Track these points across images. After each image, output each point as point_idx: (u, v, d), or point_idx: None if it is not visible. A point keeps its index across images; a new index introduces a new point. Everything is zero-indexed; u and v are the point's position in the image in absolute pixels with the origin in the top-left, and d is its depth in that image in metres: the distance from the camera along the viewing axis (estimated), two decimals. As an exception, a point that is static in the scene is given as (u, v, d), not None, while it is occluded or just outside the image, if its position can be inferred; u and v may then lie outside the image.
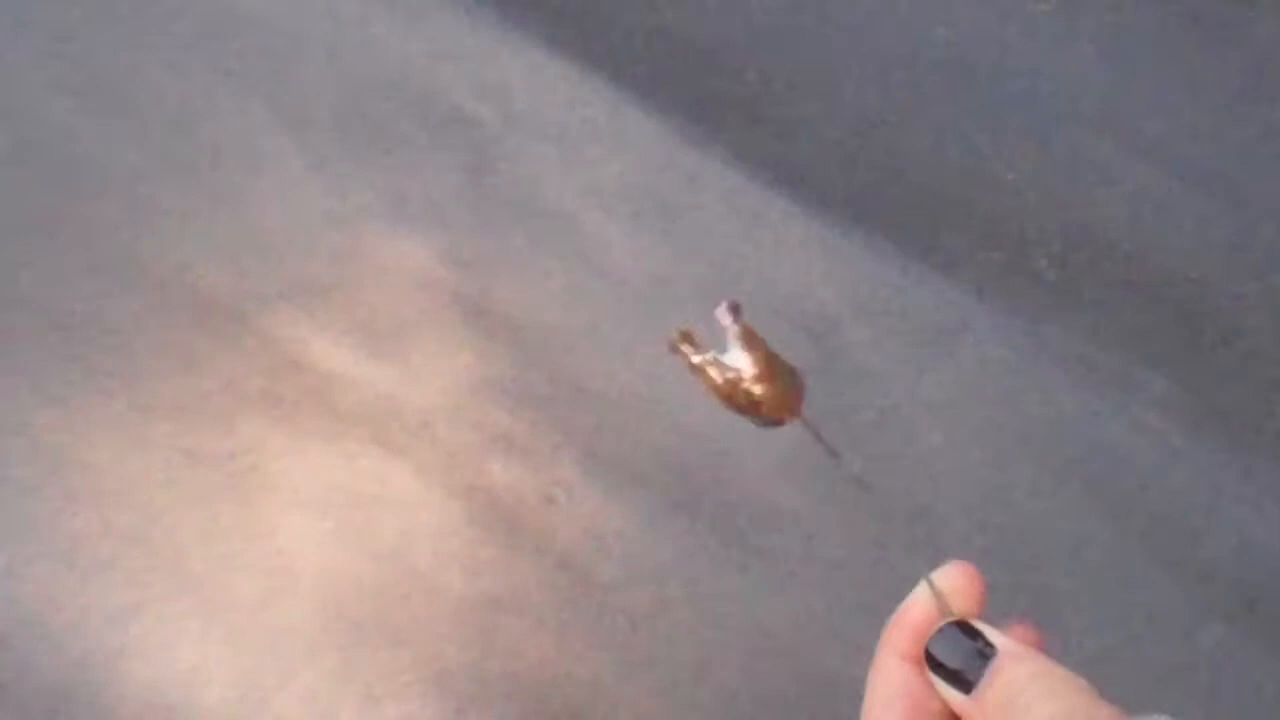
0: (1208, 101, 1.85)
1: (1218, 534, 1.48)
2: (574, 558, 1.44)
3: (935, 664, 0.38)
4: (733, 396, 0.43)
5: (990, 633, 0.37)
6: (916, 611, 0.40)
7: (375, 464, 1.48)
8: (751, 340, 0.44)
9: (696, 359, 0.43)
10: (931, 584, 0.39)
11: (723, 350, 0.43)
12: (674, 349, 0.42)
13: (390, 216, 1.66)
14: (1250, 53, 1.90)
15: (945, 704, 0.37)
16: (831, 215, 1.70)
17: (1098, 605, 1.42)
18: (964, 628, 0.38)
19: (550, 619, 1.40)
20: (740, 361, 0.43)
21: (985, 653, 0.37)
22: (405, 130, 1.75)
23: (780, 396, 0.43)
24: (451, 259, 1.64)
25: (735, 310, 0.43)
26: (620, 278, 1.63)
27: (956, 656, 0.37)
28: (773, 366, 0.44)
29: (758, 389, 0.43)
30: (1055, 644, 0.37)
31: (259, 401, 1.51)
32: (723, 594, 1.43)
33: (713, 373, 0.44)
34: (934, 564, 0.40)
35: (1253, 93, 1.86)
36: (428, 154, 1.73)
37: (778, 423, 0.42)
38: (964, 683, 0.36)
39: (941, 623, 0.38)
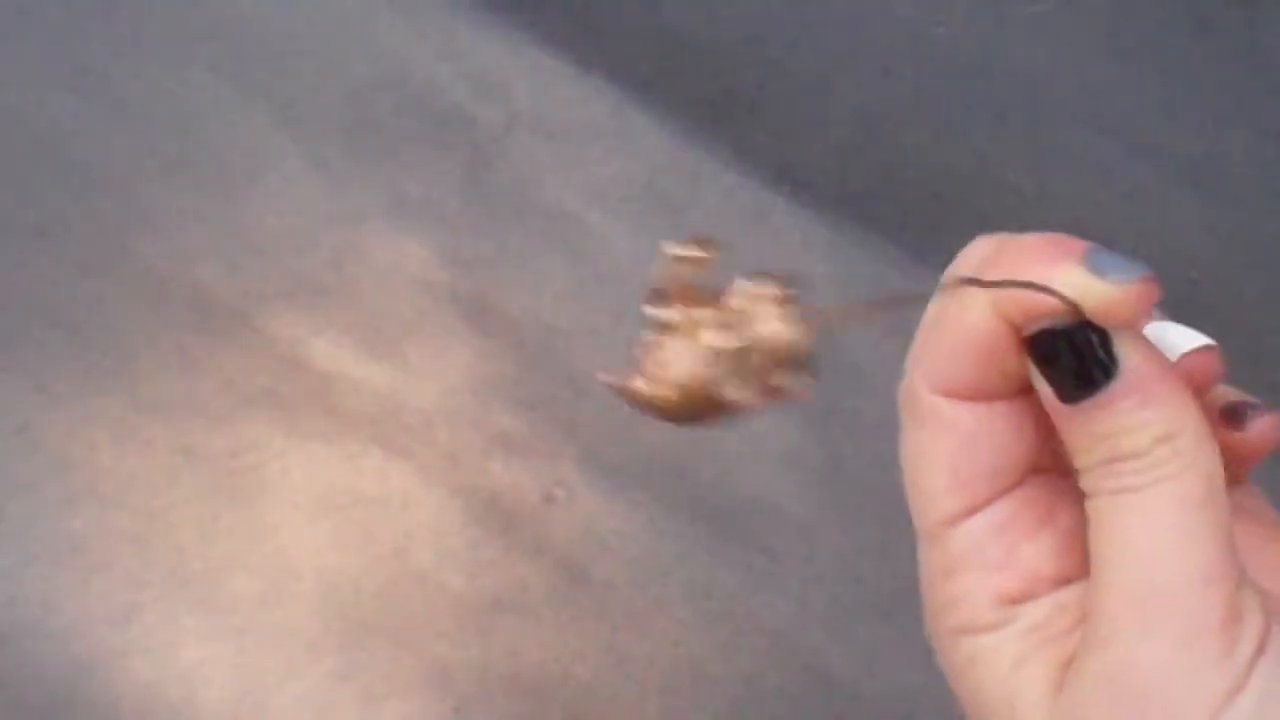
0: (1208, 101, 1.85)
1: (1218, 534, 1.48)
2: (574, 558, 1.44)
3: (1040, 354, 0.28)
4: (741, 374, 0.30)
5: (1128, 342, 0.27)
6: (1039, 269, 0.28)
7: (375, 464, 1.48)
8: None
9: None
10: (1085, 283, 0.27)
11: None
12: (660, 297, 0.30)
13: (390, 216, 1.66)
14: (1250, 53, 1.90)
15: (1030, 381, 0.28)
16: (831, 215, 1.70)
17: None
18: (1098, 332, 0.27)
19: (550, 619, 1.40)
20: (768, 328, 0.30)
21: (1109, 363, 0.27)
22: (405, 130, 1.75)
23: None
24: (451, 259, 1.63)
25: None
26: (620, 278, 1.63)
27: (1072, 357, 0.27)
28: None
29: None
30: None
31: (259, 401, 1.51)
32: (723, 594, 1.43)
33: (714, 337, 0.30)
34: None
35: (1253, 93, 1.86)
36: (428, 154, 1.73)
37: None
38: (1066, 386, 0.27)
39: (1067, 319, 0.27)
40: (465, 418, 1.52)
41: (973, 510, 0.29)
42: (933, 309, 0.32)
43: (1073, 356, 0.27)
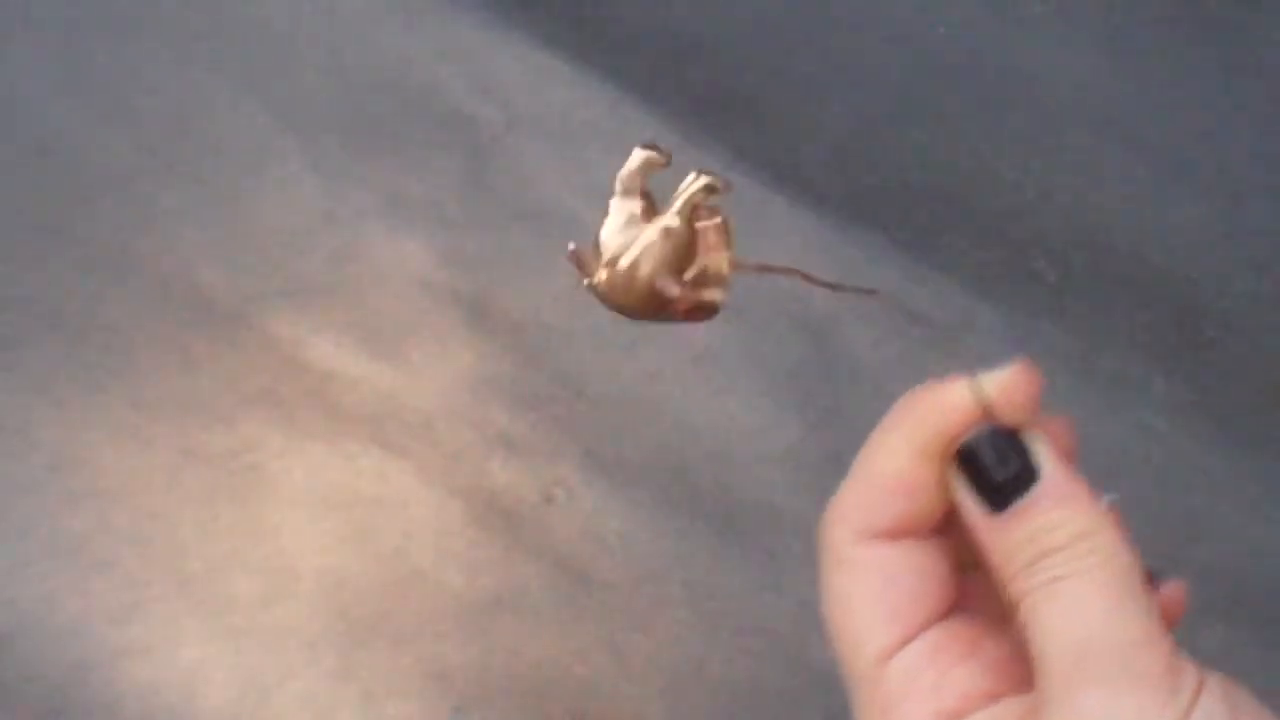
0: (1208, 101, 1.85)
1: (1218, 534, 1.48)
2: (574, 558, 1.44)
3: (967, 462, 0.30)
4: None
5: (1043, 452, 0.30)
6: (951, 399, 0.31)
7: (375, 464, 1.48)
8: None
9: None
10: (978, 385, 0.31)
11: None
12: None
13: (390, 216, 1.66)
14: (1250, 53, 1.90)
15: (948, 504, 0.31)
16: (831, 215, 1.70)
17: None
18: (1010, 436, 0.30)
19: (550, 619, 1.40)
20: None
21: (1027, 472, 0.30)
22: (405, 130, 1.75)
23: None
24: (451, 259, 1.64)
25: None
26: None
27: (995, 463, 0.30)
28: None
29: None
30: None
31: (259, 401, 1.51)
32: (723, 594, 1.43)
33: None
34: None
35: (1253, 93, 1.86)
36: (428, 154, 1.73)
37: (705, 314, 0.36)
38: (992, 497, 0.30)
39: (986, 424, 0.30)
40: (465, 418, 1.52)
41: (905, 640, 0.31)
42: (857, 462, 0.34)
43: (997, 465, 0.30)
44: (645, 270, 0.35)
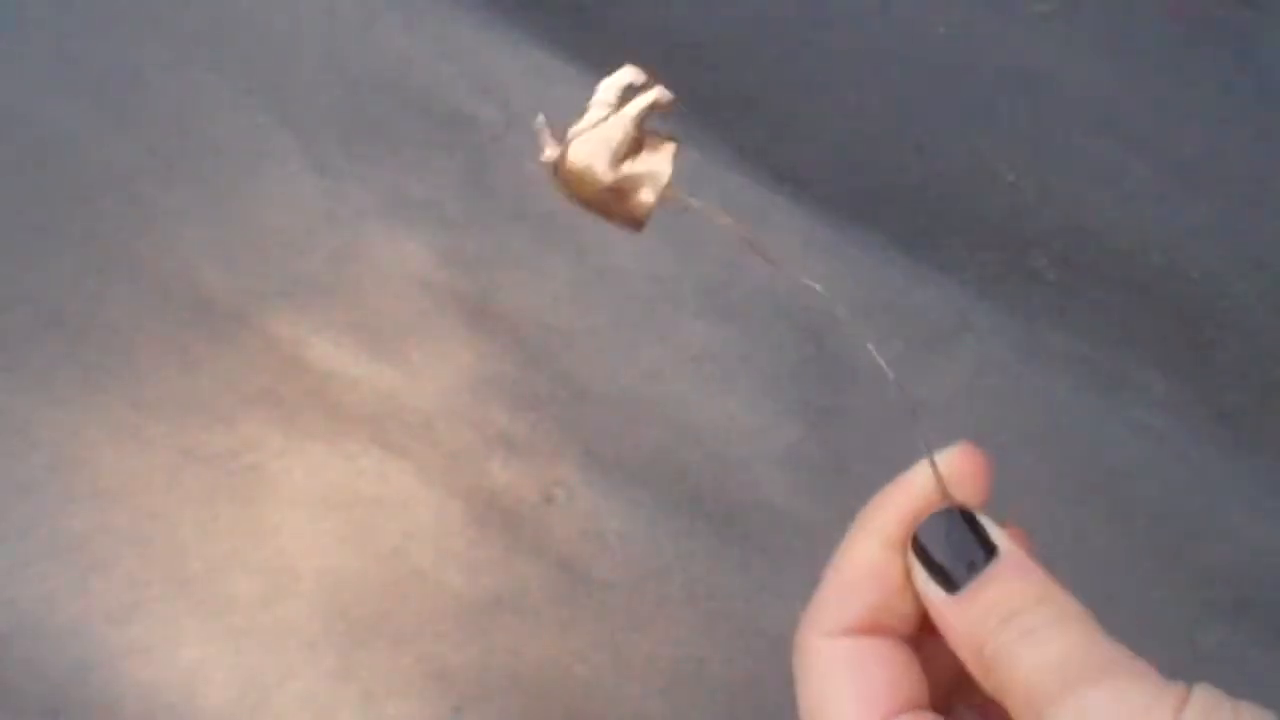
0: (1208, 101, 1.85)
1: (1218, 534, 1.48)
2: (574, 557, 1.44)
3: (922, 552, 0.32)
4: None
5: (994, 531, 0.32)
6: (910, 492, 0.33)
7: (375, 464, 1.48)
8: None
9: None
10: (934, 464, 0.33)
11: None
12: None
13: (390, 216, 1.66)
14: (1250, 54, 1.90)
15: (919, 603, 0.33)
16: (831, 215, 1.70)
17: (1097, 605, 1.42)
18: (964, 517, 0.32)
19: (550, 619, 1.40)
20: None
21: (981, 553, 0.32)
22: (405, 130, 1.75)
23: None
24: (451, 259, 1.64)
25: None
26: (620, 278, 1.63)
27: (950, 548, 0.32)
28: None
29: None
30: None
31: (259, 401, 1.51)
32: (723, 594, 1.43)
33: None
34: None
35: (1252, 93, 1.86)
36: (428, 154, 1.73)
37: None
38: (951, 581, 0.31)
39: (939, 507, 0.33)
40: (465, 418, 1.52)
41: None
42: (830, 564, 0.36)
43: (952, 548, 0.32)
44: (584, 152, 0.37)
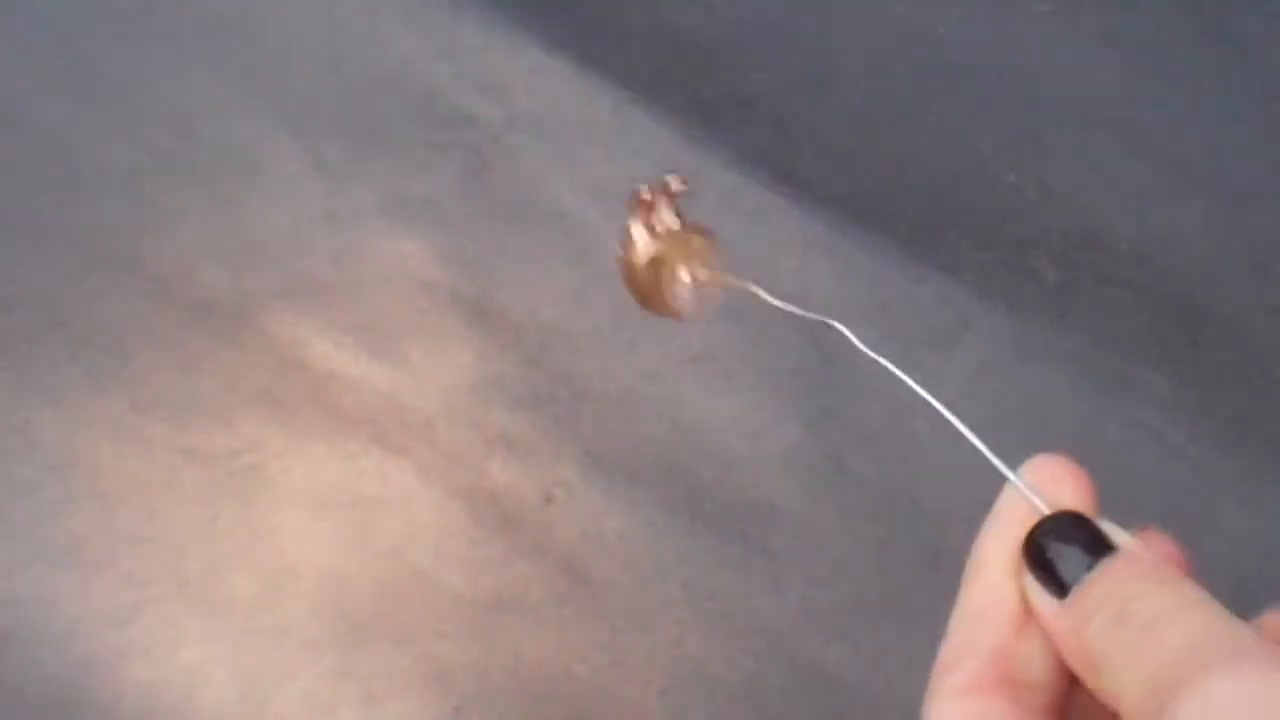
0: (1208, 101, 1.85)
1: (1218, 534, 1.48)
2: (574, 557, 1.44)
3: (1036, 561, 0.29)
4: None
5: (1112, 530, 0.29)
6: (1011, 515, 0.30)
7: (375, 464, 1.48)
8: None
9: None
10: (1020, 484, 0.30)
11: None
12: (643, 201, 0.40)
13: (390, 216, 1.66)
14: (1250, 53, 1.90)
15: (1047, 646, 0.29)
16: (831, 215, 1.70)
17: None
18: (1075, 519, 0.29)
19: (550, 619, 1.40)
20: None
21: (1096, 554, 0.28)
22: (405, 130, 1.75)
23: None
24: (451, 259, 1.63)
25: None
26: (620, 278, 1.63)
27: (1062, 552, 0.28)
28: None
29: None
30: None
31: (259, 401, 1.51)
32: (723, 594, 1.43)
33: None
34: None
35: (1253, 93, 1.86)
36: (428, 154, 1.73)
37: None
38: (1064, 587, 0.28)
39: (1047, 513, 0.29)
40: (465, 418, 1.52)
41: None
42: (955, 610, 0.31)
43: (1071, 543, 0.29)
44: (650, 268, 0.40)
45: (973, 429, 0.33)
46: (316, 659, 1.36)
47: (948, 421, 0.34)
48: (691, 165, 1.72)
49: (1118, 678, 0.27)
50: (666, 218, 0.41)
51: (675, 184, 0.43)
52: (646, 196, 0.42)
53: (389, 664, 1.36)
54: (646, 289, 0.42)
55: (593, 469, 1.49)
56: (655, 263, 0.41)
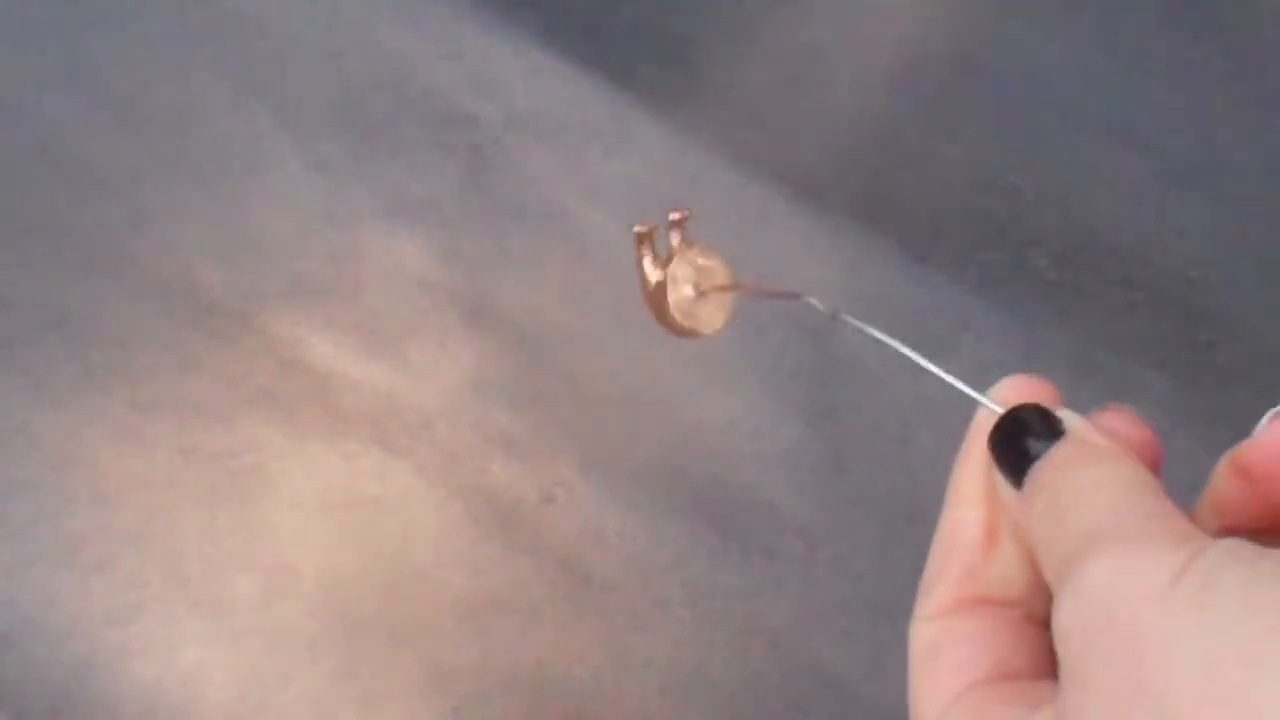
0: (1208, 102, 1.85)
1: (1218, 534, 1.48)
2: (574, 557, 1.44)
3: (999, 454, 0.29)
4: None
5: (1065, 414, 0.29)
6: (980, 435, 0.30)
7: (375, 464, 1.48)
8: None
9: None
10: (984, 399, 0.31)
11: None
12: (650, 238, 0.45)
13: (390, 216, 1.66)
14: (1250, 53, 1.89)
15: (1016, 561, 0.29)
16: (831, 215, 1.70)
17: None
18: (1035, 409, 0.29)
19: (550, 619, 1.40)
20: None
21: (1052, 438, 0.28)
22: (405, 130, 1.75)
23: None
24: (451, 259, 1.63)
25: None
26: (620, 278, 1.63)
27: (1022, 443, 0.28)
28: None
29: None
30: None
31: (259, 401, 1.51)
32: (723, 594, 1.43)
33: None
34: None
35: (1252, 93, 1.85)
36: (428, 154, 1.73)
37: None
38: (1018, 471, 0.28)
39: (1011, 406, 0.29)
40: (465, 418, 1.52)
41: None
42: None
43: (1030, 432, 0.29)
44: (650, 292, 0.44)
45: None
46: (316, 659, 1.36)
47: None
48: (691, 165, 1.72)
49: (1042, 562, 0.26)
50: (668, 244, 0.45)
51: (674, 216, 0.46)
52: (643, 230, 0.46)
53: (389, 664, 1.36)
54: (661, 314, 0.47)
55: (593, 469, 1.49)
56: (661, 288, 0.45)
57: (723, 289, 0.45)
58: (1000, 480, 0.29)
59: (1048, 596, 0.27)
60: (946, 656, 0.28)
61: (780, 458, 1.51)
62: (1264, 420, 0.29)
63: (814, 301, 0.41)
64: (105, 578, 1.39)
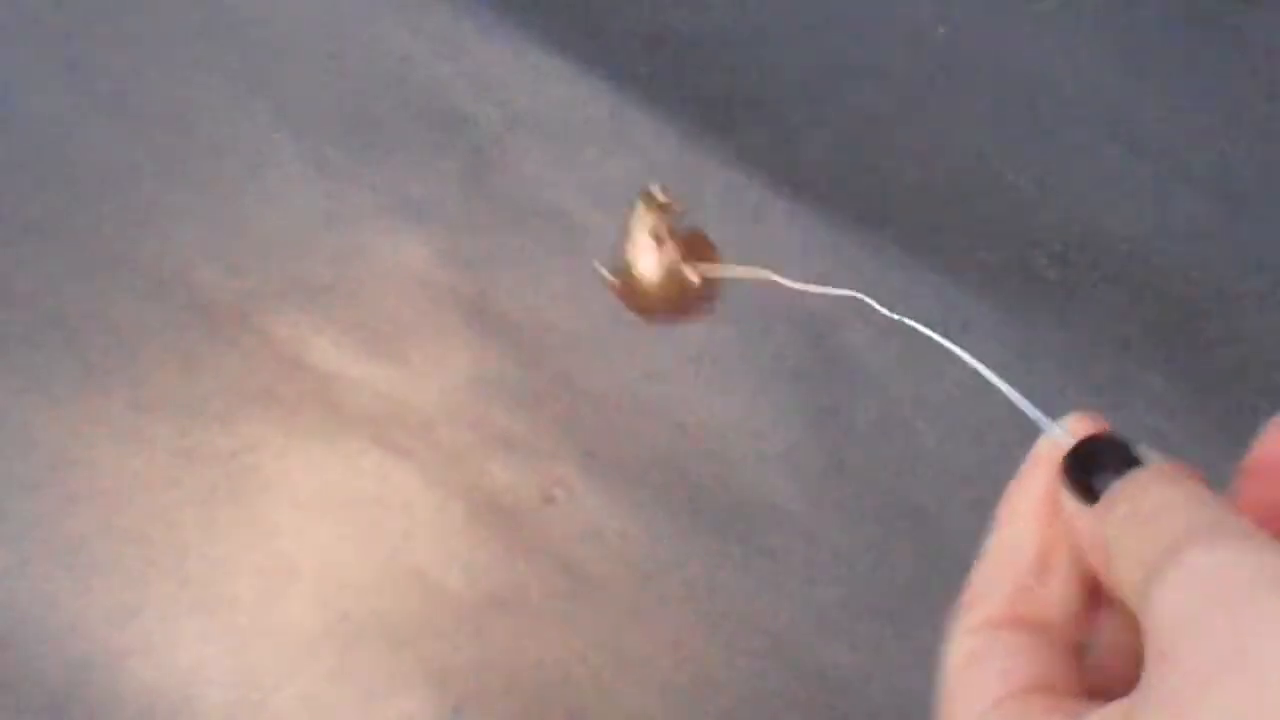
0: (1208, 101, 1.85)
1: (1218, 534, 1.48)
2: (574, 557, 1.44)
3: (1072, 475, 0.30)
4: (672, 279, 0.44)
5: (1143, 450, 0.30)
6: (1040, 461, 0.31)
7: (375, 464, 1.48)
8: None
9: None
10: (1056, 427, 0.31)
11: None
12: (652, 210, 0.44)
13: (390, 216, 1.66)
14: (1251, 53, 1.90)
15: (1068, 586, 0.30)
16: (831, 215, 1.70)
17: (1098, 605, 1.41)
18: (1112, 440, 0.30)
19: (550, 619, 1.40)
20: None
21: (1129, 466, 0.29)
22: (405, 130, 1.75)
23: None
24: (451, 259, 1.63)
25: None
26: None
27: (1098, 468, 0.30)
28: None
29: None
30: None
31: (259, 401, 1.51)
32: (723, 594, 1.43)
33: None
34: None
35: (1253, 93, 1.86)
36: (428, 154, 1.73)
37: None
38: (1096, 496, 0.29)
39: (1086, 434, 0.31)
40: (465, 418, 1.52)
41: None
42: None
43: (1106, 458, 0.30)
44: (637, 271, 0.44)
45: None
46: (316, 659, 1.36)
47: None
48: (691, 165, 1.72)
49: (1121, 563, 0.28)
50: (659, 227, 0.46)
51: (660, 195, 0.47)
52: (639, 208, 0.46)
53: (389, 664, 1.36)
54: (648, 298, 0.47)
55: (593, 469, 1.49)
56: (657, 268, 0.46)
57: (763, 281, 0.46)
58: (1069, 498, 0.30)
59: (1085, 626, 0.30)
60: (989, 665, 0.29)
61: (780, 458, 1.51)
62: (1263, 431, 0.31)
63: (864, 298, 0.42)
64: (105, 578, 1.39)
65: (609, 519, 1.46)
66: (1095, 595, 0.31)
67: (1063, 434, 0.31)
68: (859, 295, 0.41)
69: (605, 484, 1.48)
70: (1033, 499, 0.31)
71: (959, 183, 1.76)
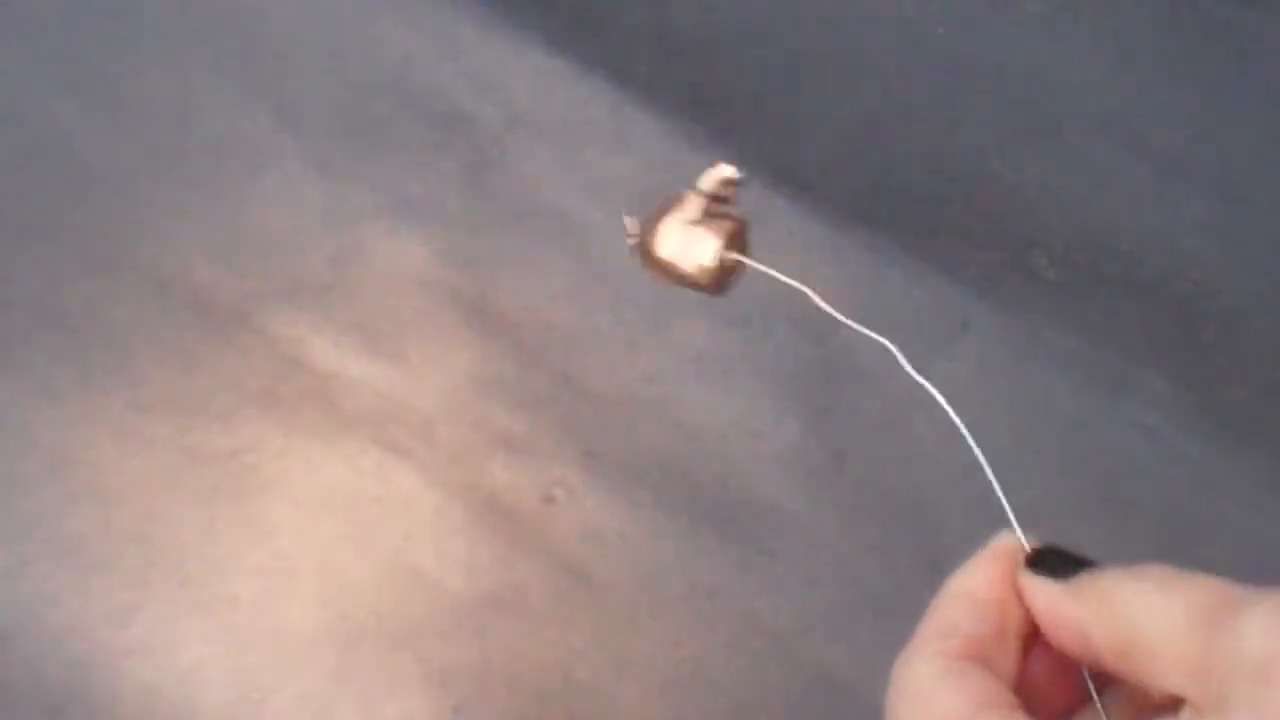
0: (1208, 102, 1.85)
1: (1218, 534, 1.48)
2: (574, 557, 1.44)
3: (1040, 567, 0.36)
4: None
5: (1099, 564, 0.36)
6: (998, 547, 0.38)
7: (376, 464, 1.48)
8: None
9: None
10: (1020, 533, 0.38)
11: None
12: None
13: (390, 216, 1.66)
14: (1251, 53, 1.90)
15: (1017, 655, 0.36)
16: (831, 215, 1.70)
17: (1098, 605, 1.41)
18: (1065, 550, 0.36)
19: (550, 619, 1.40)
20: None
21: (1087, 564, 0.35)
22: (405, 130, 1.75)
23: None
24: (451, 259, 1.63)
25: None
26: (620, 278, 1.63)
27: (1059, 561, 0.36)
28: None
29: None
30: None
31: (259, 401, 1.51)
32: (723, 593, 1.43)
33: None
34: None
35: (1253, 93, 1.86)
36: (428, 154, 1.73)
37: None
38: (1062, 572, 0.35)
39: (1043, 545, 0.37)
40: (465, 418, 1.52)
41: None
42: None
43: (1066, 558, 0.36)
44: (663, 235, 0.48)
45: (973, 429, 0.37)
46: (316, 659, 1.36)
47: (947, 420, 0.39)
48: (691, 165, 1.72)
49: (1141, 622, 0.31)
50: (713, 205, 0.48)
51: (731, 174, 0.50)
52: (708, 176, 0.49)
53: (389, 664, 1.36)
54: (667, 266, 0.51)
55: (593, 469, 1.49)
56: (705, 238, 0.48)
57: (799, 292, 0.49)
58: (1032, 579, 0.36)
59: (1019, 674, 0.36)
60: (974, 677, 0.34)
61: (780, 458, 1.51)
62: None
63: (893, 349, 0.45)
64: (105, 578, 1.39)
65: (609, 519, 1.46)
66: (1027, 646, 0.37)
67: (1022, 539, 0.37)
68: (890, 347, 0.45)
69: (605, 484, 1.48)
70: (995, 577, 0.37)
71: (959, 183, 1.76)
